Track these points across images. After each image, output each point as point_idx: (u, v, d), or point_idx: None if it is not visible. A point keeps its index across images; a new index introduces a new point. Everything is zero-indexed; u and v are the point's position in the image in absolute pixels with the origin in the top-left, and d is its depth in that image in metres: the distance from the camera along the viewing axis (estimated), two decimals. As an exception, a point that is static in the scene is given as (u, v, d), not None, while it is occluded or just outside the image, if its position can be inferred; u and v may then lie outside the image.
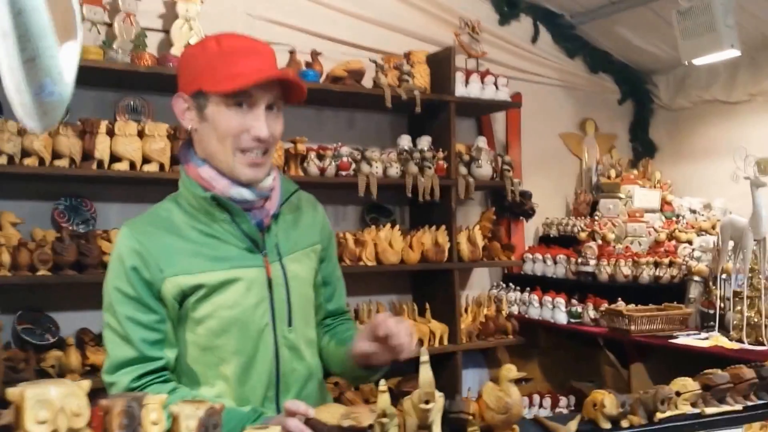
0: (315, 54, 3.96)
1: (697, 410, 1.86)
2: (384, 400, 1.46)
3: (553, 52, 5.48)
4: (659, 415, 1.79)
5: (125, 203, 3.81)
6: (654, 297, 4.13)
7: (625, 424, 1.74)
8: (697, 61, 4.39)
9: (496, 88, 4.55)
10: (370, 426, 1.34)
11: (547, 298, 4.51)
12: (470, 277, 4.99)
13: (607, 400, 1.73)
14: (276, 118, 1.69)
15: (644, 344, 3.83)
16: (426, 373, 1.48)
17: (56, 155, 3.32)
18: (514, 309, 4.74)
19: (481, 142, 4.49)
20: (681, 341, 3.61)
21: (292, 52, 3.88)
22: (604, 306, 4.15)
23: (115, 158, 3.44)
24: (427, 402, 1.45)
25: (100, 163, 3.40)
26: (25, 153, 3.26)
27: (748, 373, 2.01)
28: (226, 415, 1.37)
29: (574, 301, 4.44)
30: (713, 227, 4.72)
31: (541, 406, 4.32)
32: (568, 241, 4.96)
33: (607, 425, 1.72)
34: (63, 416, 1.01)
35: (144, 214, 1.72)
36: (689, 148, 5.65)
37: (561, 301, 4.43)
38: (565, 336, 4.60)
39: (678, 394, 1.86)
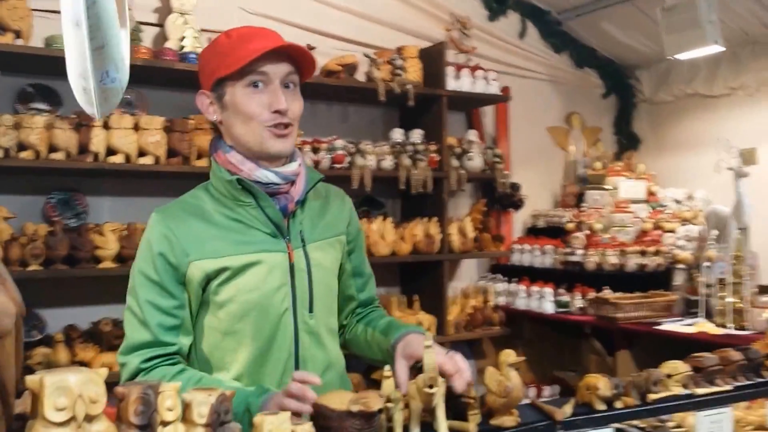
0: (309, 48, 3.94)
1: (688, 391, 1.88)
2: (389, 384, 1.47)
3: (540, 47, 5.51)
4: (652, 396, 1.80)
5: (118, 197, 3.78)
6: (640, 285, 4.16)
7: (619, 405, 1.75)
8: (682, 57, 4.41)
9: (487, 82, 4.56)
10: (380, 410, 1.34)
11: (535, 288, 4.52)
12: (458, 269, 5.00)
13: (601, 383, 1.74)
14: (293, 96, 1.72)
15: (630, 332, 3.86)
16: (430, 358, 1.49)
17: (52, 149, 3.28)
18: (501, 300, 4.75)
19: (472, 135, 4.50)
20: (667, 327, 3.64)
21: (286, 47, 3.86)
22: (592, 294, 4.17)
23: (110, 152, 3.41)
24: (431, 386, 1.46)
25: (96, 156, 3.36)
26: (22, 147, 3.23)
27: (735, 355, 2.03)
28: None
29: (561, 290, 4.46)
30: (695, 217, 4.76)
31: (526, 396, 4.34)
32: (555, 232, 4.97)
33: (603, 407, 1.73)
34: (81, 403, 1.01)
35: (174, 201, 1.76)
36: (672, 141, 5.69)
37: (548, 290, 4.44)
38: (549, 326, 4.62)
39: (669, 376, 1.88)
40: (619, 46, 5.61)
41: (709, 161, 5.17)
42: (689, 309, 3.93)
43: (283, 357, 1.71)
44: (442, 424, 1.49)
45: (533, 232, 5.20)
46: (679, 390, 1.87)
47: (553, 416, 1.65)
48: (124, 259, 3.40)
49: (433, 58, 4.34)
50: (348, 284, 1.92)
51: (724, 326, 3.50)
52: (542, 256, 4.76)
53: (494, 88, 4.60)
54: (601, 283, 4.26)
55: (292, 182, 1.74)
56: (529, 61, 5.43)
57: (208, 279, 1.66)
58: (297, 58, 1.70)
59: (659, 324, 3.73)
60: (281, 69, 1.67)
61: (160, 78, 3.57)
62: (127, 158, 3.41)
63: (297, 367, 1.72)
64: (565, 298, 4.38)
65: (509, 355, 1.61)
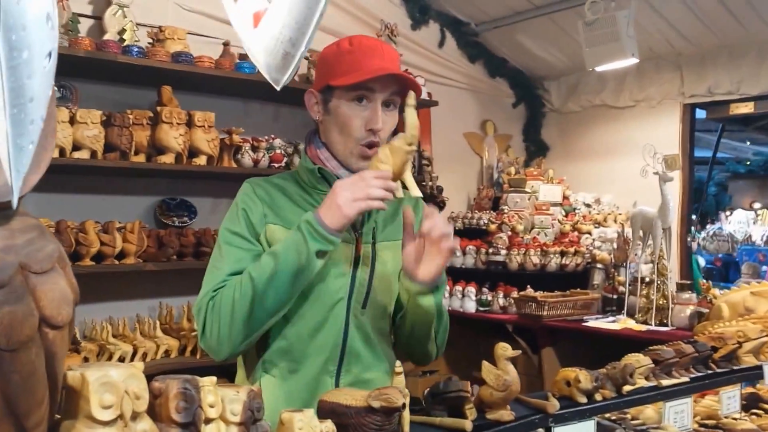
0: (249, 47, 3.81)
1: (652, 383, 1.91)
2: (400, 381, 1.41)
3: (457, 57, 5.58)
4: (627, 388, 1.82)
5: (46, 193, 3.47)
6: (560, 284, 4.23)
7: (598, 397, 1.75)
8: (601, 68, 4.54)
9: (415, 87, 4.56)
10: (403, 405, 1.27)
11: (458, 288, 4.51)
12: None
13: (582, 376, 1.74)
14: (390, 114, 1.72)
15: (553, 329, 3.90)
16: (411, 117, 1.53)
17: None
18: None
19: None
20: (593, 324, 3.70)
21: (226, 44, 3.73)
22: (515, 293, 4.21)
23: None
24: (410, 144, 1.53)
25: (28, 150, 3.12)
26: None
27: (687, 348, 2.08)
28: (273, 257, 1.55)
29: (484, 289, 4.48)
30: (605, 220, 4.91)
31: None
32: (473, 234, 5.01)
33: (584, 399, 1.73)
34: (128, 400, 0.90)
35: (264, 177, 1.80)
36: (579, 148, 5.85)
37: (471, 290, 4.45)
38: (469, 326, 4.61)
39: (632, 369, 1.90)
40: (530, 57, 5.73)
41: (614, 167, 5.37)
42: (606, 307, 4.02)
43: (328, 344, 1.68)
44: (414, 185, 1.60)
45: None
46: (642, 382, 1.90)
47: (545, 410, 1.63)
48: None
49: (367, 62, 4.27)
50: None
51: (645, 323, 3.58)
52: (463, 256, 4.77)
53: (422, 94, 4.60)
54: (523, 282, 4.31)
55: None
56: (447, 69, 5.49)
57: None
58: (404, 81, 1.69)
59: (583, 321, 3.79)
60: (387, 89, 1.68)
61: (99, 71, 3.36)
62: (62, 152, 3.20)
63: (342, 360, 1.70)
64: (488, 297, 4.40)
65: (506, 349, 1.59)
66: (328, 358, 1.68)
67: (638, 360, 1.93)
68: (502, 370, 1.56)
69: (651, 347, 2.05)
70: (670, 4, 4.53)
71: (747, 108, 4.94)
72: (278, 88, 0.71)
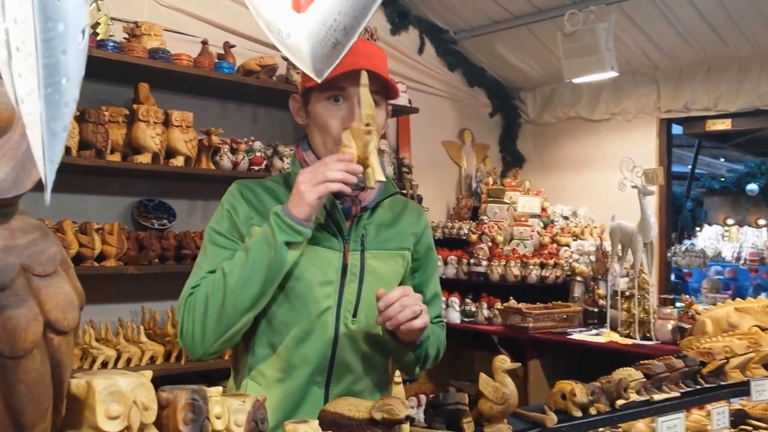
0: (228, 46, 3.76)
1: (643, 397, 1.90)
2: (399, 390, 1.38)
3: (437, 64, 5.58)
4: (619, 402, 1.81)
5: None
6: (541, 296, 4.23)
7: (593, 411, 1.74)
8: (579, 81, 4.56)
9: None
10: (406, 417, 1.24)
11: (441, 298, 4.48)
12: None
13: (578, 390, 1.73)
14: (375, 112, 1.62)
15: (540, 341, 3.89)
16: (366, 96, 1.49)
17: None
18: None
19: (383, 144, 4.45)
20: (578, 337, 3.69)
21: (204, 43, 3.66)
22: (499, 304, 4.20)
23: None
24: (368, 125, 1.50)
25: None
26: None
27: (678, 363, 2.08)
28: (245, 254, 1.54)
29: (468, 300, 4.47)
30: (582, 232, 4.92)
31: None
32: (453, 244, 4.99)
33: (579, 413, 1.72)
34: (136, 410, 0.86)
35: (254, 179, 1.79)
36: (554, 160, 5.88)
37: (455, 300, 4.44)
38: (454, 337, 4.59)
39: (623, 383, 1.89)
40: (508, 67, 5.75)
41: (589, 180, 5.40)
42: (588, 320, 4.03)
43: (316, 355, 1.65)
44: (378, 169, 1.54)
45: (432, 243, 5.19)
46: (634, 396, 1.89)
47: (543, 423, 1.62)
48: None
49: (348, 66, 4.24)
50: None
51: (629, 336, 3.59)
52: (445, 267, 4.75)
53: (403, 100, 4.59)
54: (504, 293, 4.31)
55: (363, 188, 1.68)
56: (426, 76, 5.48)
57: None
58: (383, 80, 1.64)
59: (568, 334, 3.79)
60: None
61: (73, 66, 3.27)
62: (33, 149, 3.10)
63: (331, 370, 1.67)
64: (472, 308, 4.39)
65: (504, 362, 1.57)
66: (316, 368, 1.65)
67: (630, 374, 1.93)
68: (500, 382, 1.53)
69: (642, 361, 2.05)
70: (650, 17, 4.56)
71: (724, 125, 5.00)
72: (320, 81, 0.68)
